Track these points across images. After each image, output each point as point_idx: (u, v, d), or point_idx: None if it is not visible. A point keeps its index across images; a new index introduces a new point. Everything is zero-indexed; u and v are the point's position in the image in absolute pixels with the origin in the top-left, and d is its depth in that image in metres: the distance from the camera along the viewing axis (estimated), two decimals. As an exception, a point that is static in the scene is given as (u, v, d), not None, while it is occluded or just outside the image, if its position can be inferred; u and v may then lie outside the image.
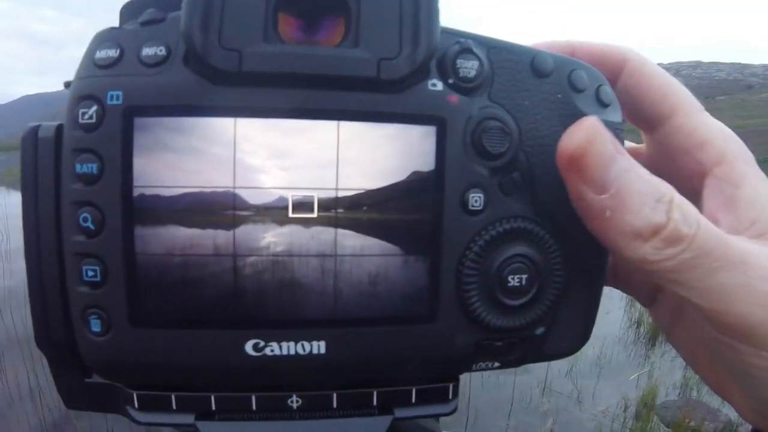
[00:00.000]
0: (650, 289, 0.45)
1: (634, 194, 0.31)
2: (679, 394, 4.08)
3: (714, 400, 3.78)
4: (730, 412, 3.55)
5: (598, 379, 4.22)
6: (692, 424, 3.52)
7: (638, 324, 5.08)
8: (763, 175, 0.36)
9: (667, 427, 3.64)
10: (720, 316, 0.32)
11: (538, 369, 4.16)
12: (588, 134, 0.31)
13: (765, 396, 0.34)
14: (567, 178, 0.32)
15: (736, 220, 0.34)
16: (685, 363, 0.44)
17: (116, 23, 0.36)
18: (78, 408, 0.38)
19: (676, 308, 0.43)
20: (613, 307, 5.26)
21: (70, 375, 0.37)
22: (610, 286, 0.46)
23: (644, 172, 0.32)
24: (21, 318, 4.50)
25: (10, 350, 4.15)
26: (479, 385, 3.87)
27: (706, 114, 0.38)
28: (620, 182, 0.31)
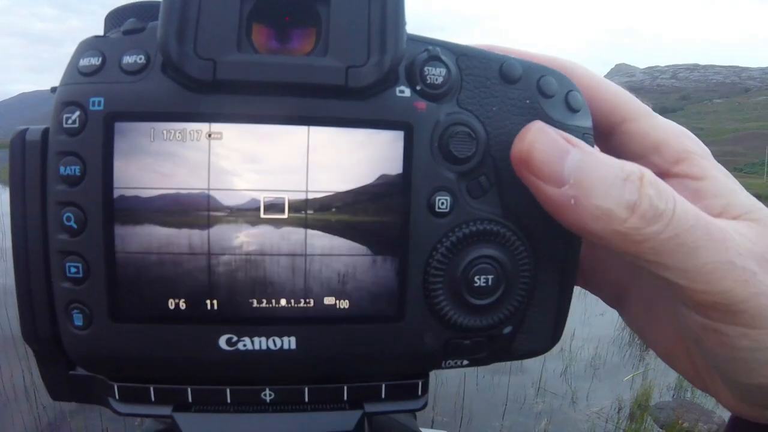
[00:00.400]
0: (616, 288, 0.45)
1: (596, 179, 0.32)
2: (673, 395, 4.10)
3: (708, 402, 3.80)
4: (723, 414, 3.56)
5: (593, 380, 4.23)
6: (686, 425, 3.53)
7: (632, 325, 5.09)
8: (721, 166, 0.37)
9: (661, 428, 3.65)
10: (703, 296, 0.32)
11: (532, 370, 4.17)
12: (533, 135, 0.33)
13: (747, 380, 0.35)
14: (524, 179, 0.34)
15: (706, 209, 0.34)
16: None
17: None
18: (63, 399, 0.39)
19: (646, 306, 0.43)
20: (608, 309, 5.25)
21: (55, 368, 0.38)
22: (579, 285, 0.46)
23: (605, 157, 0.33)
24: (16, 316, 4.50)
25: (6, 348, 4.15)
26: (473, 386, 3.88)
27: (657, 116, 0.39)
28: (578, 172, 0.32)
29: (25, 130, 0.35)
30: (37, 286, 0.35)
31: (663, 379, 4.20)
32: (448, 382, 3.64)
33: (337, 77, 0.33)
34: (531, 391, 4.00)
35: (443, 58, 0.35)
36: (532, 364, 4.22)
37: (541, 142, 0.33)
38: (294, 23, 0.34)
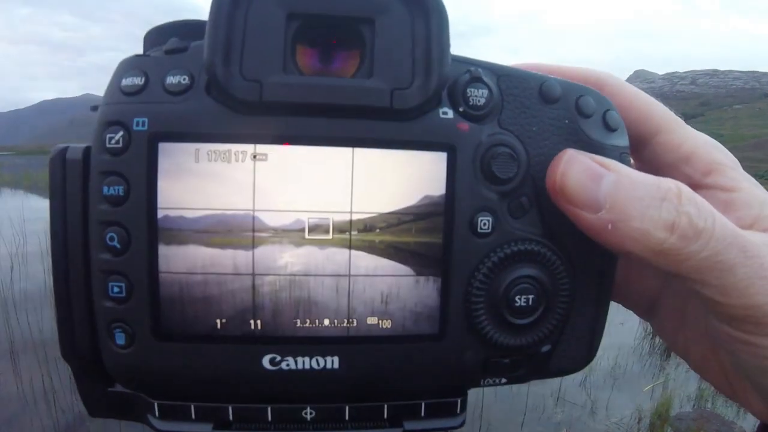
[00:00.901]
0: (648, 300, 0.45)
1: (632, 201, 0.32)
2: (694, 405, 4.04)
3: (729, 412, 3.74)
4: (744, 424, 3.51)
5: (612, 390, 4.19)
6: (706, 436, 3.49)
7: (653, 335, 5.04)
8: (750, 177, 0.37)
9: (681, 439, 3.60)
10: (737, 310, 0.32)
11: (552, 379, 4.14)
12: (564, 165, 0.34)
13: None
14: (562, 208, 0.34)
15: (738, 221, 0.34)
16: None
17: (135, 30, 0.38)
18: (101, 416, 0.39)
19: (678, 316, 0.43)
20: (629, 318, 5.22)
21: (93, 385, 0.38)
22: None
23: (640, 177, 0.33)
24: (37, 321, 4.55)
25: (26, 353, 4.19)
26: (492, 395, 3.86)
27: (689, 127, 0.39)
28: (614, 196, 0.32)
29: (66, 148, 0.35)
30: (78, 305, 0.35)
31: (683, 390, 4.14)
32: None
33: (383, 99, 0.33)
34: (550, 401, 3.97)
35: (485, 79, 0.35)
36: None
37: (574, 170, 0.33)
38: (338, 45, 0.34)
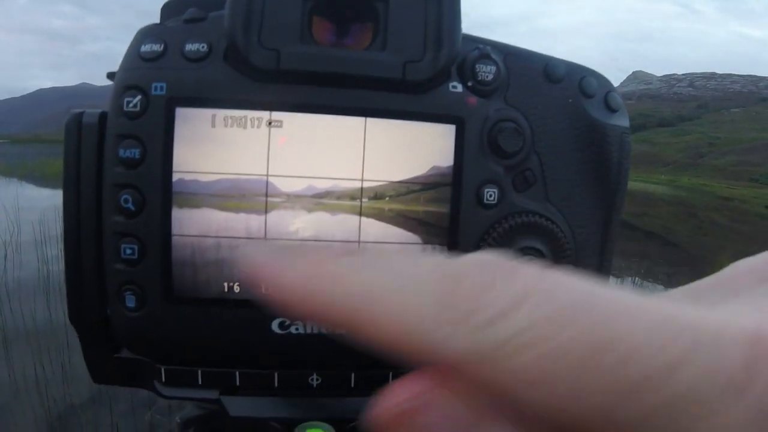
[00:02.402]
0: None
1: None
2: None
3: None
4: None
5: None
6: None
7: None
8: None
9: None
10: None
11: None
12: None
13: None
14: None
15: None
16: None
17: (132, 20, 0.39)
18: (105, 382, 0.40)
19: None
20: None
21: (99, 351, 0.38)
22: None
23: None
24: (30, 310, 4.53)
25: (18, 342, 4.18)
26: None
27: None
28: None
29: (82, 113, 0.35)
30: (88, 268, 0.36)
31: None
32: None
33: (395, 71, 0.34)
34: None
35: (493, 56, 0.36)
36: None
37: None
38: (353, 19, 0.35)
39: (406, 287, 0.14)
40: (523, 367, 0.12)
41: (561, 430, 0.12)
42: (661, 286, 4.90)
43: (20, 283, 5.24)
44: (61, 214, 0.36)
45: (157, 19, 0.38)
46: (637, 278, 5.12)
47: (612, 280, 0.50)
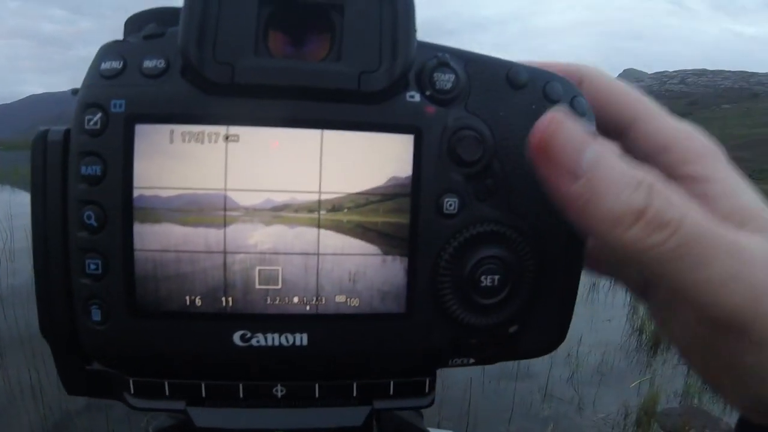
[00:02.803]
0: (640, 280, 0.44)
1: (609, 180, 0.31)
2: (680, 401, 4.07)
3: (715, 409, 3.78)
4: (730, 420, 3.54)
5: (599, 386, 4.21)
6: (692, 431, 3.52)
7: (640, 331, 5.08)
8: (731, 168, 0.37)
9: (667, 435, 3.64)
10: (710, 309, 0.32)
11: (539, 375, 4.16)
12: (555, 121, 0.32)
13: (753, 390, 0.34)
14: (538, 167, 0.33)
15: (712, 212, 0.33)
16: (686, 370, 0.44)
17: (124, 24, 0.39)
18: (78, 394, 0.40)
19: (667, 302, 0.41)
20: (615, 315, 5.26)
21: (71, 362, 0.39)
22: (605, 274, 0.45)
23: (618, 161, 0.32)
24: (24, 316, 4.52)
25: (13, 348, 4.17)
26: (479, 391, 3.87)
27: (668, 116, 0.39)
28: (593, 169, 0.31)
29: (47, 131, 0.36)
30: (56, 282, 0.36)
31: (670, 386, 4.17)
32: (454, 386, 3.64)
33: (350, 82, 0.34)
34: (537, 396, 3.99)
35: (452, 64, 0.36)
36: (538, 369, 4.22)
37: (563, 130, 0.32)
38: (309, 29, 0.35)
39: None
40: None
41: None
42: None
43: (14, 290, 5.23)
44: None
45: None
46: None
47: (609, 280, 0.49)
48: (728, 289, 0.30)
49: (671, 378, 4.26)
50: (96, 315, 0.35)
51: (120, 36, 0.37)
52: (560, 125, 0.32)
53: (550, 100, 0.37)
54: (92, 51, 0.36)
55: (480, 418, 3.56)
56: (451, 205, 0.36)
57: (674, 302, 0.41)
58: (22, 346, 4.07)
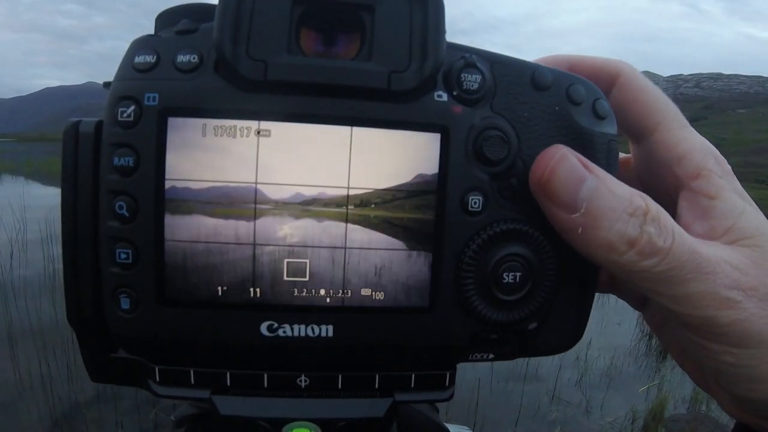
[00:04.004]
0: (639, 293, 0.47)
1: (604, 211, 0.34)
2: (688, 408, 4.06)
3: (723, 416, 3.76)
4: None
5: (608, 390, 4.21)
6: (700, 438, 3.50)
7: (650, 336, 5.06)
8: (739, 187, 0.39)
9: (675, 441, 3.62)
10: (691, 319, 0.35)
11: (547, 378, 4.16)
12: (554, 161, 0.35)
13: (737, 392, 0.37)
14: (539, 201, 0.36)
15: (711, 229, 0.37)
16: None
17: (139, 20, 0.40)
18: (102, 381, 0.41)
19: (662, 312, 0.45)
20: (625, 319, 5.24)
21: (96, 350, 0.40)
22: (605, 292, 0.48)
23: (616, 187, 0.35)
24: (35, 308, 4.56)
25: (24, 339, 4.21)
26: (487, 392, 3.87)
27: (689, 129, 0.40)
28: (590, 201, 0.34)
29: (78, 122, 0.36)
30: (85, 271, 0.37)
31: (678, 391, 4.16)
32: (462, 386, 3.64)
33: (381, 81, 0.35)
34: (545, 399, 3.99)
35: (479, 65, 0.37)
36: (546, 371, 4.22)
37: (562, 169, 0.35)
38: (340, 29, 0.36)
39: None
40: None
41: None
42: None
43: (26, 281, 5.28)
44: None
45: None
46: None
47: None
48: (705, 303, 0.35)
49: (680, 384, 4.24)
50: (125, 303, 0.36)
51: (134, 30, 0.38)
52: (559, 163, 0.35)
53: (573, 102, 0.38)
54: (106, 46, 0.36)
55: (487, 418, 3.56)
56: (475, 202, 0.37)
57: (665, 312, 0.43)
58: (33, 337, 4.11)
